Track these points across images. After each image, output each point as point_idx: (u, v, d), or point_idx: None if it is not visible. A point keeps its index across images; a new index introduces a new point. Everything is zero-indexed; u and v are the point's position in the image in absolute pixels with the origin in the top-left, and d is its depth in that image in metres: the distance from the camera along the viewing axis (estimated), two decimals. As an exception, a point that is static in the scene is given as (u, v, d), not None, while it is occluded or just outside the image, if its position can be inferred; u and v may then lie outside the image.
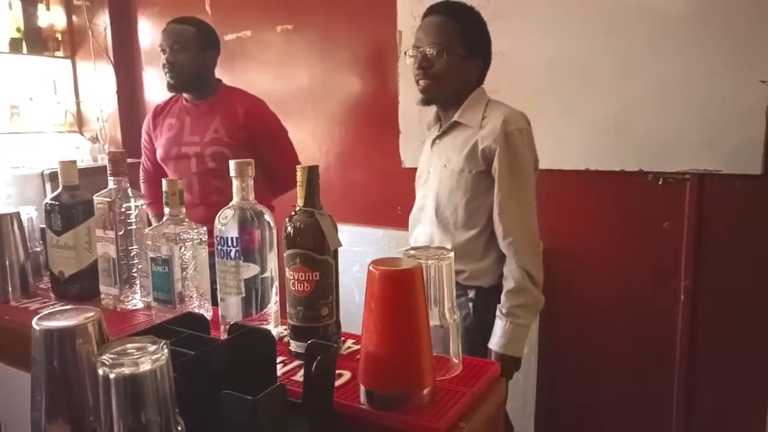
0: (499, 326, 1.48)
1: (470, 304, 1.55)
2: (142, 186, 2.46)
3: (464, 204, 1.51)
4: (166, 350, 0.58)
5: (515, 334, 1.47)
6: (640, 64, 2.07)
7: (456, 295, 1.54)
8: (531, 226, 1.50)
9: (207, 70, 2.24)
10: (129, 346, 0.58)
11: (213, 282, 1.06)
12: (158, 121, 2.30)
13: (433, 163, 1.59)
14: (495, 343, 1.49)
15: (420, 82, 1.53)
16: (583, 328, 2.34)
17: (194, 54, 2.17)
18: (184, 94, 2.26)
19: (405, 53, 1.60)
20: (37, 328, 0.66)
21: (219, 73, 3.30)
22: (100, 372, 0.56)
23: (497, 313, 1.49)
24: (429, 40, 1.50)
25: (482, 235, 1.52)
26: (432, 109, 1.67)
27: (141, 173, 2.46)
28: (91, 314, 0.69)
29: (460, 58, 1.50)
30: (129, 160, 1.23)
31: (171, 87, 2.20)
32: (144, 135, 2.37)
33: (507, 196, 1.46)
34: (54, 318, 0.67)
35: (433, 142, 1.61)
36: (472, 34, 1.53)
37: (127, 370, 0.55)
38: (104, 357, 0.56)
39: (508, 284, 1.48)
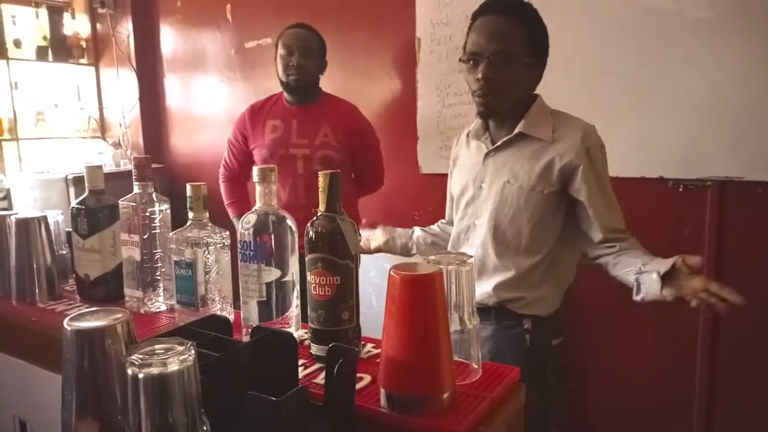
0: (652, 265, 1.26)
1: (527, 336, 1.39)
2: (222, 185, 2.49)
3: (531, 227, 1.35)
4: (193, 351, 0.59)
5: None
6: (660, 69, 2.06)
7: (506, 326, 1.39)
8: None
9: (319, 78, 2.34)
10: (157, 347, 0.60)
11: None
12: (257, 121, 2.34)
13: (488, 179, 1.41)
14: (662, 265, 1.24)
15: (480, 94, 1.34)
16: (602, 334, 2.32)
17: (318, 61, 2.29)
18: (287, 97, 2.32)
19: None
20: (69, 328, 0.67)
21: (240, 79, 3.36)
22: (129, 372, 0.57)
23: (642, 268, 1.27)
24: (493, 47, 1.30)
25: (543, 263, 1.38)
26: (470, 115, 1.56)
27: (222, 171, 2.50)
28: (120, 315, 0.70)
29: (526, 67, 1.33)
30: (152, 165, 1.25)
31: (291, 88, 2.28)
32: (236, 133, 2.41)
33: (606, 210, 1.35)
34: (84, 319, 0.69)
35: (487, 154, 1.43)
36: (539, 39, 1.34)
37: (155, 370, 0.57)
38: (133, 357, 0.58)
39: (640, 254, 1.31)
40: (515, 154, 1.38)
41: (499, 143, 1.41)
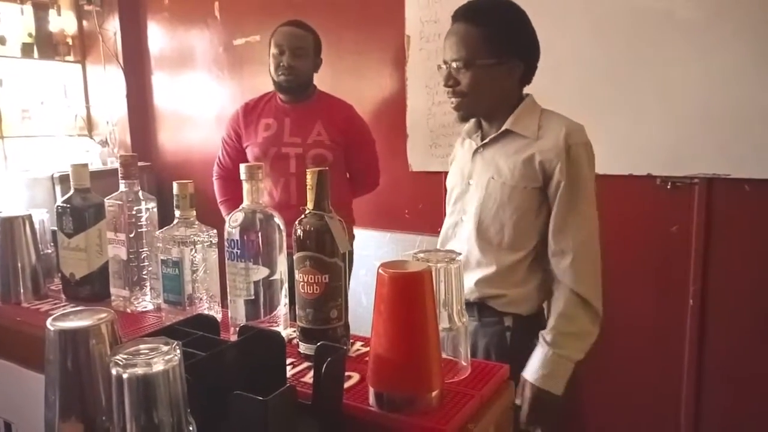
0: (539, 354, 1.30)
1: (507, 334, 1.38)
2: (216, 183, 2.47)
3: (513, 223, 1.35)
4: (178, 351, 0.58)
5: (556, 366, 1.28)
6: (650, 68, 2.07)
7: (488, 323, 1.38)
8: (591, 249, 1.34)
9: (313, 77, 2.31)
10: (142, 346, 0.59)
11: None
12: (251, 119, 2.32)
13: (476, 175, 1.43)
14: (531, 373, 1.29)
15: (450, 100, 1.42)
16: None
17: (310, 61, 2.26)
18: (280, 95, 2.30)
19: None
20: (52, 328, 0.66)
21: (228, 77, 3.34)
22: (114, 372, 0.56)
23: (539, 339, 1.32)
24: (452, 55, 1.37)
25: (527, 258, 1.38)
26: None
27: (216, 169, 2.47)
28: (104, 315, 0.69)
29: (488, 68, 1.35)
30: (139, 164, 1.24)
31: (283, 89, 2.26)
32: (230, 131, 2.39)
33: (567, 214, 1.32)
34: (68, 319, 0.68)
35: (476, 151, 1.45)
36: (501, 36, 1.36)
37: (140, 371, 0.56)
38: (117, 357, 0.57)
39: (556, 307, 1.32)
40: (501, 150, 1.40)
41: (486, 140, 1.43)
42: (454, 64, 1.37)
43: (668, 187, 2.10)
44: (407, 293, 0.75)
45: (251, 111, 2.34)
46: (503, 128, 1.39)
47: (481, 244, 1.40)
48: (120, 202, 1.17)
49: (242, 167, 0.99)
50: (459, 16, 1.38)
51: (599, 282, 1.35)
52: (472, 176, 1.44)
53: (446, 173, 1.60)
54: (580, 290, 1.31)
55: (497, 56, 1.35)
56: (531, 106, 1.41)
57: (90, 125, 3.78)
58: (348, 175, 2.40)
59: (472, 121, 1.48)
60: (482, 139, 1.45)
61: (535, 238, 1.37)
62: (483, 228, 1.39)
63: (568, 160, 1.31)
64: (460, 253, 0.89)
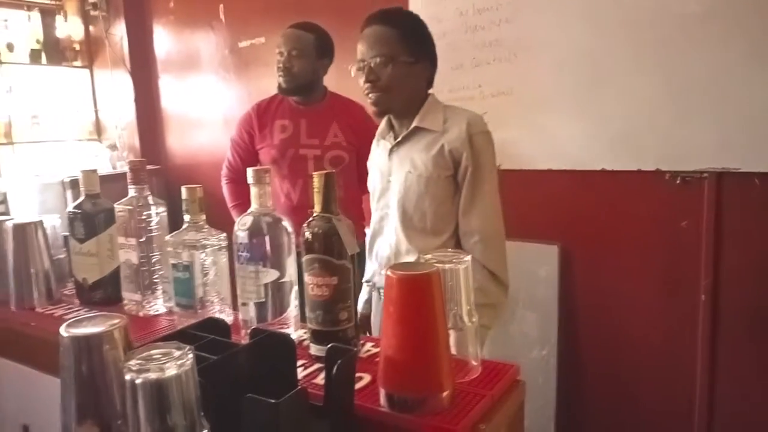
0: None
1: None
2: (226, 186, 2.43)
3: (433, 210, 1.48)
4: (190, 355, 0.59)
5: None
6: (656, 61, 2.06)
7: None
8: (497, 227, 1.48)
9: (318, 78, 2.29)
10: (155, 351, 0.60)
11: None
12: (265, 121, 2.30)
13: (394, 171, 1.55)
14: None
15: (370, 95, 1.50)
16: (602, 329, 2.32)
17: (310, 61, 2.23)
18: (292, 98, 2.29)
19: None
20: (66, 334, 0.67)
21: (234, 79, 3.35)
22: (127, 377, 0.57)
23: None
24: (372, 52, 1.47)
25: (451, 240, 1.50)
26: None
27: (225, 172, 2.43)
28: (117, 321, 0.70)
29: (406, 65, 1.47)
30: (148, 167, 1.25)
31: (282, 90, 2.26)
32: (241, 133, 2.35)
33: (473, 197, 1.46)
34: (81, 325, 0.69)
35: (391, 150, 1.57)
36: (415, 39, 1.50)
37: (153, 375, 0.57)
38: (131, 362, 0.58)
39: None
40: (414, 146, 1.52)
41: (399, 138, 1.55)
42: (376, 60, 1.46)
43: (677, 181, 2.09)
44: (416, 295, 0.76)
45: (264, 112, 2.31)
46: (413, 126, 1.51)
47: (407, 233, 1.52)
48: (130, 207, 1.19)
49: (250, 171, 1.00)
50: (375, 20, 1.51)
51: (505, 257, 1.48)
52: (391, 173, 1.56)
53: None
54: (489, 265, 1.44)
55: (414, 56, 1.48)
56: (434, 104, 1.54)
57: (99, 129, 3.81)
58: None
59: (384, 123, 1.60)
60: (395, 139, 1.56)
61: (454, 222, 1.50)
62: (407, 218, 1.51)
63: (471, 147, 1.44)
64: (468, 254, 0.90)
